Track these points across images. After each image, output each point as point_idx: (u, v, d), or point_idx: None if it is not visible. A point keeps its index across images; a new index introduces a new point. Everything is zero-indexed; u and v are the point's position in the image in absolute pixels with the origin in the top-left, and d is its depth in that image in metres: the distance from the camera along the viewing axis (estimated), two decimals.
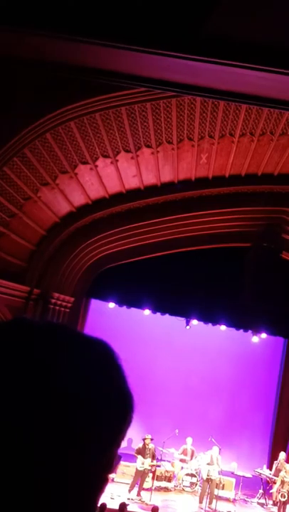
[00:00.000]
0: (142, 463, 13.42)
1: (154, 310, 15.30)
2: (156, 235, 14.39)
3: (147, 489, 13.43)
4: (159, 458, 14.20)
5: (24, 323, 0.86)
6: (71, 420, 0.80)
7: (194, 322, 15.63)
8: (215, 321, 15.42)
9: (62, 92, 9.56)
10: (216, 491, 13.55)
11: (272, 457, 15.75)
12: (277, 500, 13.94)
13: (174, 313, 15.47)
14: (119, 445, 0.88)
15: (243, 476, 14.72)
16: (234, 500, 14.59)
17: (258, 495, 14.92)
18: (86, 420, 0.81)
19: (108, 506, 10.79)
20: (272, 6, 5.87)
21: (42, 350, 0.82)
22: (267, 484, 14.95)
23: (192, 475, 14.34)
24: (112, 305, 15.21)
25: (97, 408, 0.83)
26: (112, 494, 12.60)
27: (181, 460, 14.79)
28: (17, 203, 11.78)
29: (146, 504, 12.85)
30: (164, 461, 14.67)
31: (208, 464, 13.85)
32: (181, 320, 15.78)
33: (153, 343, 16.78)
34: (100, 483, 0.85)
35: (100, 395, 0.84)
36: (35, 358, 0.81)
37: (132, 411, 0.89)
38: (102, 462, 0.85)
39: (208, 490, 13.52)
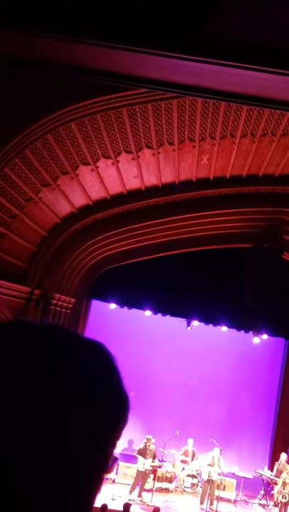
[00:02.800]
0: (143, 464, 13.41)
1: (155, 311, 15.29)
2: (158, 235, 14.39)
3: (148, 490, 13.42)
4: (160, 459, 14.19)
5: (22, 325, 0.87)
6: (65, 420, 0.81)
7: (195, 323, 15.61)
8: (216, 322, 15.41)
9: (63, 93, 9.57)
10: (216, 492, 13.53)
11: (274, 458, 15.73)
12: (279, 501, 13.91)
13: (175, 314, 15.46)
14: (114, 445, 0.89)
15: (244, 477, 14.69)
16: (235, 501, 14.57)
17: (259, 496, 14.89)
18: (81, 420, 0.82)
19: (109, 507, 10.77)
20: (273, 7, 5.87)
21: (39, 353, 0.83)
22: (268, 485, 14.93)
23: (193, 476, 14.32)
24: (113, 306, 15.20)
25: (93, 408, 0.84)
26: (113, 495, 12.59)
27: (182, 461, 14.77)
28: (18, 204, 11.79)
29: (148, 505, 12.84)
30: (165, 462, 14.65)
31: (208, 465, 13.83)
32: (182, 321, 15.75)
33: (154, 344, 16.76)
34: (95, 483, 0.86)
35: (95, 395, 0.85)
36: (32, 361, 0.82)
37: (127, 411, 0.90)
38: (97, 462, 0.86)
39: (208, 491, 13.51)
